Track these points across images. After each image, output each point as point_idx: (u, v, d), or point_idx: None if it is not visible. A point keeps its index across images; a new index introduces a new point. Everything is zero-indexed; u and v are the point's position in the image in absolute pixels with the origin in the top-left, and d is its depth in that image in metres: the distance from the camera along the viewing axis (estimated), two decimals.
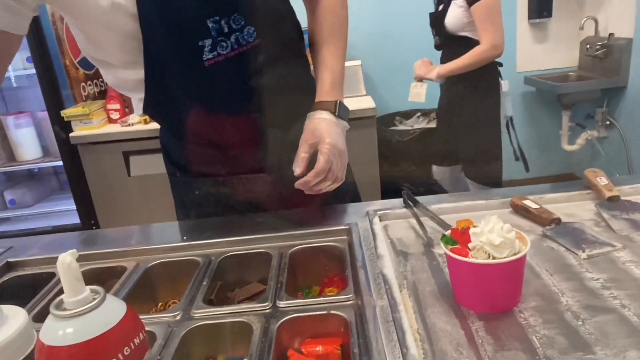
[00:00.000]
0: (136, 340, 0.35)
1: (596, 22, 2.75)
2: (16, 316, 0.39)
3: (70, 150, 2.50)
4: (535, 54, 3.00)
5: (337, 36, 0.88)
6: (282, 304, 0.64)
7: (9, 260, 0.84)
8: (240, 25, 0.76)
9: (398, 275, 0.67)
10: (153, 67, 0.77)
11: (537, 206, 0.79)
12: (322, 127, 0.80)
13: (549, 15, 2.87)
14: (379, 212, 0.86)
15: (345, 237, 0.81)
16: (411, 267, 0.70)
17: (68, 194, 2.69)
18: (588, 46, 2.83)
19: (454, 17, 1.89)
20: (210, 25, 0.74)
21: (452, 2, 1.89)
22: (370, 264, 0.69)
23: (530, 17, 2.91)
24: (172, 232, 0.91)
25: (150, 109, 0.85)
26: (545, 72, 3.00)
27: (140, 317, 0.48)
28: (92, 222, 2.64)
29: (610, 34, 2.65)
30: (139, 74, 0.77)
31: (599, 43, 2.70)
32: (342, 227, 0.82)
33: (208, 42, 0.75)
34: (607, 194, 0.80)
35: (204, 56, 0.76)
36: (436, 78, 1.99)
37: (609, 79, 2.63)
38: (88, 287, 0.35)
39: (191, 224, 0.94)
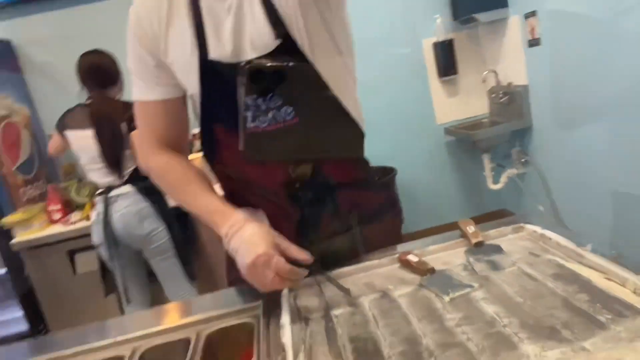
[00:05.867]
0: None
1: (496, 73, 3.08)
2: None
3: (13, 257, 2.49)
4: (450, 107, 3.29)
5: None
6: None
7: None
8: (278, 104, 0.88)
9: (298, 341, 0.76)
10: (205, 120, 0.96)
11: (417, 259, 0.92)
12: None
13: (455, 72, 3.20)
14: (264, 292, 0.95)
15: (258, 312, 0.91)
16: (310, 331, 0.79)
17: (15, 301, 2.64)
18: (493, 95, 3.15)
19: None
20: (249, 102, 0.87)
21: None
22: (273, 334, 0.79)
23: (439, 75, 3.23)
24: (102, 331, 0.97)
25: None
26: (462, 121, 3.29)
27: None
28: (41, 327, 2.59)
29: (509, 83, 2.97)
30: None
31: (501, 91, 3.02)
32: (254, 304, 0.92)
33: (249, 113, 0.88)
34: (473, 241, 0.94)
35: (247, 124, 0.89)
36: None
37: (516, 122, 2.92)
38: None
39: (120, 319, 1.01)
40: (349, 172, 1.04)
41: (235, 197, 1.02)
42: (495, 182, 3.16)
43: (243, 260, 0.83)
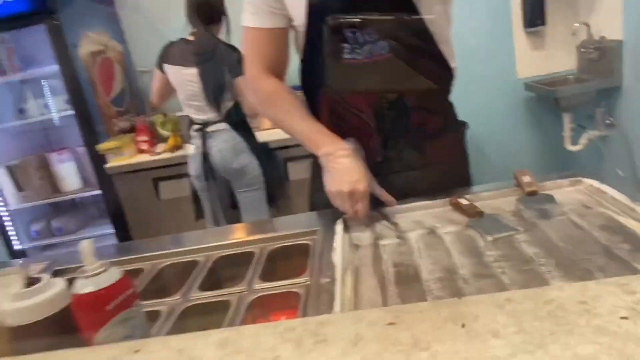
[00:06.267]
0: (127, 292, 0.56)
1: (588, 26, 2.86)
2: (59, 283, 0.61)
3: (106, 180, 2.79)
4: (533, 60, 3.13)
5: None
6: (256, 286, 0.84)
7: (56, 269, 1.07)
8: (374, 38, 0.95)
9: (346, 262, 0.85)
10: (310, 51, 1.04)
11: (467, 203, 0.96)
12: None
13: (543, 23, 3.01)
14: (344, 216, 1.05)
15: (315, 236, 1.01)
16: (359, 256, 0.88)
17: (107, 220, 2.99)
18: (583, 50, 2.94)
19: None
20: (348, 34, 0.95)
21: None
22: (325, 254, 0.88)
23: (525, 26, 3.05)
24: (181, 240, 1.12)
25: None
26: (546, 77, 3.12)
27: (154, 300, 0.71)
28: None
29: (602, 37, 2.76)
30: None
31: (592, 46, 2.82)
32: (313, 229, 1.02)
33: (347, 45, 0.96)
34: (527, 190, 0.97)
35: (343, 56, 0.97)
36: None
37: (605, 80, 2.73)
38: (99, 262, 0.56)
39: (195, 233, 1.16)
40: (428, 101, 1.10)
41: (332, 115, 1.10)
42: (574, 143, 3.02)
43: (340, 184, 0.94)
